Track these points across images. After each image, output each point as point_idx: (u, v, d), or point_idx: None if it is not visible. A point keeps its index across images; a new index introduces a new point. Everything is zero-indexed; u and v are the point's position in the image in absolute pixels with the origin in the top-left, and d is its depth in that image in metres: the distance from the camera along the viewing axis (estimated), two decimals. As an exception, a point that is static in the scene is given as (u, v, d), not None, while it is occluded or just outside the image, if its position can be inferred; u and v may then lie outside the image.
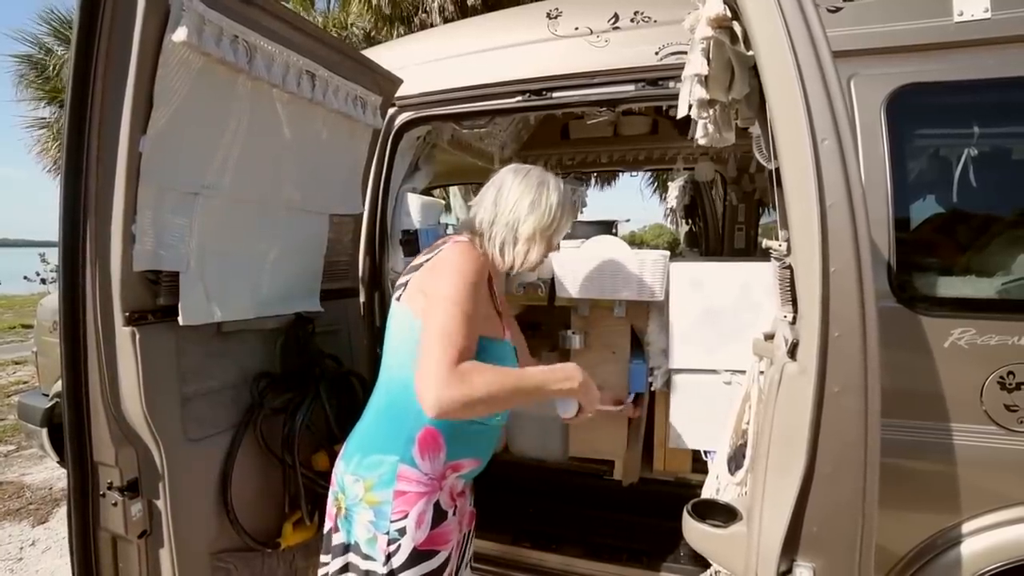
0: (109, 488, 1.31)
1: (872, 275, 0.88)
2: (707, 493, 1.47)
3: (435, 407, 1.11)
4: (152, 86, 1.25)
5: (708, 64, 1.25)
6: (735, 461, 1.38)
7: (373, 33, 11.59)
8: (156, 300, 1.38)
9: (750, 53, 1.10)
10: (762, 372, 1.33)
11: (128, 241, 1.28)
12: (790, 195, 0.92)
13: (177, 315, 1.39)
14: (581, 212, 5.76)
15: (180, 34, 1.24)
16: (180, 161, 1.36)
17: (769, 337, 1.33)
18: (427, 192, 3.80)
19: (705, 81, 1.28)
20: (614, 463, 2.53)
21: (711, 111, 1.43)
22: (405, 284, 1.34)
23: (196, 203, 1.41)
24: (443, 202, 2.83)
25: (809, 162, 0.88)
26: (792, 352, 0.95)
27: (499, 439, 1.44)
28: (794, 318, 1.05)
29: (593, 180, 13.70)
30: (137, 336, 1.30)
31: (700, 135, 1.40)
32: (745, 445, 1.37)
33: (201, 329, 1.46)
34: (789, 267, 1.09)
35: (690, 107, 1.32)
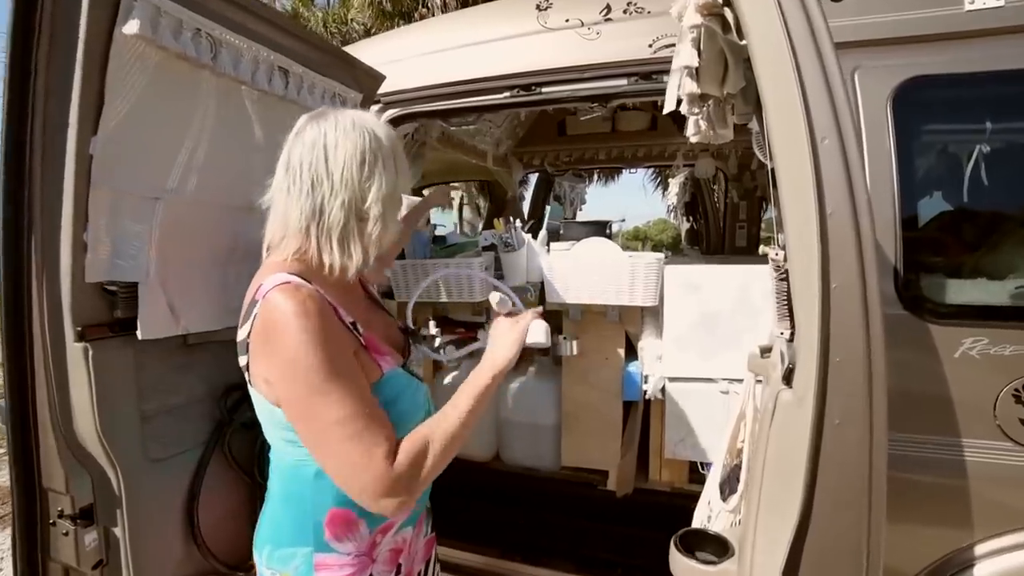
0: (60, 516, 1.23)
1: (879, 292, 0.79)
2: (698, 520, 1.38)
3: (393, 513, 0.97)
4: (102, 82, 1.16)
5: (699, 55, 1.15)
6: (728, 484, 1.29)
7: (373, 29, 11.48)
8: (113, 313, 1.29)
9: (744, 43, 1.01)
10: (760, 380, 1.24)
11: (79, 250, 1.19)
12: (786, 201, 0.83)
13: (136, 328, 1.30)
14: (580, 210, 5.68)
15: (132, 26, 1.14)
16: (138, 164, 1.27)
17: (766, 351, 1.24)
18: (418, 192, 3.71)
19: (696, 74, 1.19)
20: (608, 473, 2.45)
21: (704, 106, 1.33)
22: (246, 366, 1.05)
23: (156, 209, 1.32)
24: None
25: (807, 164, 0.79)
26: (788, 378, 0.86)
27: None
28: (791, 335, 0.96)
29: (595, 176, 13.65)
30: (90, 352, 1.21)
31: (692, 132, 1.30)
32: (740, 467, 1.28)
33: (163, 342, 1.37)
34: (787, 277, 1.00)
35: (680, 102, 1.22)
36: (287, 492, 1.11)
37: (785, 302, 0.97)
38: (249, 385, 1.07)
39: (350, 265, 1.03)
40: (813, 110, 0.79)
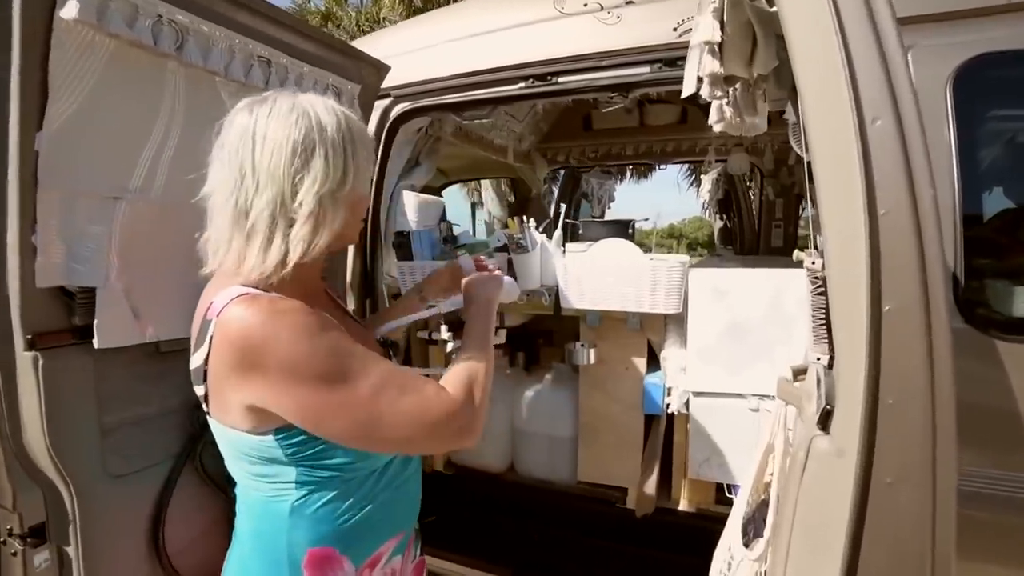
0: (9, 535, 1.14)
1: (947, 316, 0.60)
2: (716, 570, 1.20)
3: (471, 442, 0.95)
4: (45, 73, 1.05)
5: (721, 28, 0.98)
6: (754, 525, 1.11)
7: (404, 27, 11.44)
8: (71, 319, 1.19)
9: (774, 9, 0.83)
10: (787, 404, 1.06)
11: (28, 253, 1.08)
12: (825, 199, 0.65)
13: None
14: (609, 208, 5.47)
15: (70, 10, 1.02)
16: (93, 161, 1.16)
17: (800, 372, 1.06)
18: (430, 190, 3.59)
19: (719, 51, 1.02)
20: (627, 490, 2.28)
21: (731, 90, 1.15)
22: (204, 395, 0.94)
23: (117, 209, 1.21)
24: (443, 200, 2.61)
25: (853, 151, 0.61)
26: (824, 422, 0.68)
27: (419, 482, 1.17)
28: (830, 362, 0.78)
29: (628, 173, 13.32)
30: (40, 362, 1.11)
31: (715, 119, 1.13)
32: (766, 504, 1.10)
33: (131, 350, 1.28)
34: (825, 291, 0.82)
35: (700, 84, 1.05)
36: (257, 531, 1.00)
37: (823, 321, 0.80)
38: (208, 416, 0.97)
39: (266, 262, 0.88)
40: (861, 82, 0.61)
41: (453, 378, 0.95)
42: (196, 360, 0.91)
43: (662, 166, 5.14)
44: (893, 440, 0.61)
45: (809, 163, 0.83)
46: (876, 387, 0.61)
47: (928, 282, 0.59)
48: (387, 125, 2.28)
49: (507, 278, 1.29)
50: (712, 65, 1.01)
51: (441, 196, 3.74)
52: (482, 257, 1.36)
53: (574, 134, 4.21)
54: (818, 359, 0.81)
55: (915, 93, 0.60)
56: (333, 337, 0.87)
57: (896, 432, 0.61)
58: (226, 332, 0.84)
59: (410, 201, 2.36)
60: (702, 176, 5.61)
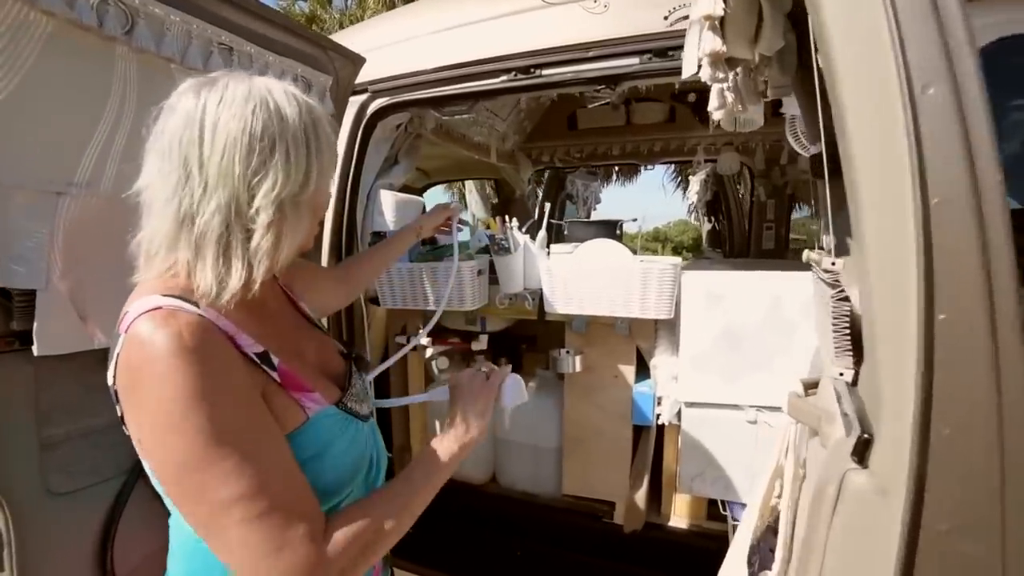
0: (-63, 561, 1.02)
1: (1019, 326, 0.49)
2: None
3: None
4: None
5: (724, 2, 0.87)
6: (759, 556, 1.00)
7: (387, 27, 11.33)
8: (9, 324, 1.08)
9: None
10: (797, 423, 0.95)
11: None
12: (860, 192, 0.54)
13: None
14: (595, 209, 5.38)
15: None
16: (30, 153, 1.05)
17: (811, 387, 0.95)
18: (412, 192, 3.47)
19: (721, 28, 0.91)
20: (615, 504, 2.17)
21: (732, 73, 1.05)
22: (121, 417, 0.77)
23: (60, 205, 1.10)
24: (423, 200, 2.49)
25: (899, 128, 0.50)
26: (861, 454, 0.57)
27: None
28: (855, 378, 0.68)
29: (614, 176, 13.25)
30: (-41, 372, 0.99)
31: (715, 105, 1.02)
32: (773, 531, 0.99)
33: (80, 357, 1.16)
34: (847, 297, 0.72)
35: (700, 66, 0.94)
36: (188, 572, 0.88)
37: (846, 331, 0.69)
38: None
39: (225, 288, 0.75)
40: (909, 45, 0.50)
41: (350, 529, 0.76)
42: (109, 376, 0.78)
43: (648, 167, 5.06)
44: (949, 479, 0.50)
45: (832, 153, 0.72)
46: (928, 413, 0.50)
47: (993, 285, 0.48)
48: (364, 121, 2.16)
49: (508, 381, 1.02)
50: (713, 43, 0.90)
51: (422, 197, 3.62)
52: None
53: (559, 133, 4.11)
54: (840, 374, 0.70)
55: (975, 54, 0.49)
56: (230, 406, 0.72)
57: (953, 469, 0.50)
58: (127, 352, 0.72)
59: (388, 200, 2.24)
60: (690, 177, 5.55)
